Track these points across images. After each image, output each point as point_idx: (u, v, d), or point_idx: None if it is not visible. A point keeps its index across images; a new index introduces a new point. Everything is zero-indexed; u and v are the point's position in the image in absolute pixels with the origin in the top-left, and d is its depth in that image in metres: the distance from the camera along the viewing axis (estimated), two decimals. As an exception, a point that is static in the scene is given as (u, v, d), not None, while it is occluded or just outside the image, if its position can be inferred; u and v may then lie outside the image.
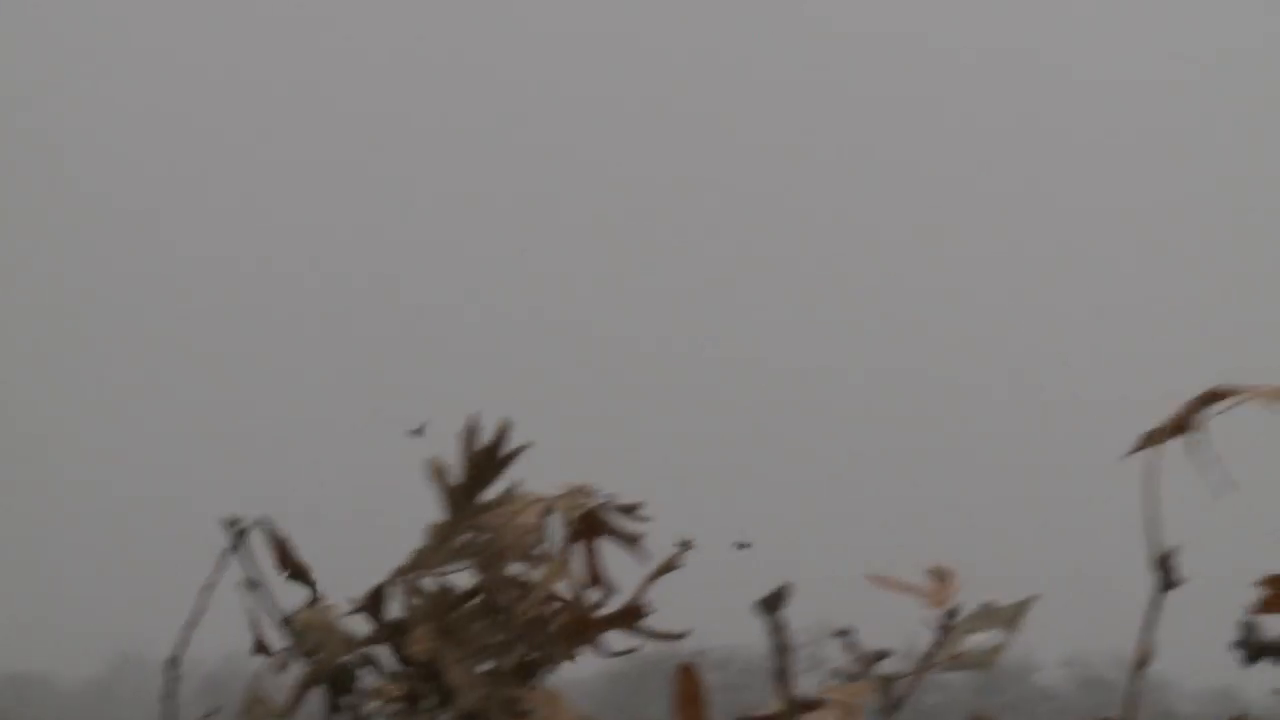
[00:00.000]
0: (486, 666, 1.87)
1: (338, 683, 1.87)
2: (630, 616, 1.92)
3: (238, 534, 1.79)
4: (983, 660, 1.81)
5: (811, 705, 1.60)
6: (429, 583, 1.88)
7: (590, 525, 1.95)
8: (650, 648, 1.98)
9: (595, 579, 1.94)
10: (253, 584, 1.80)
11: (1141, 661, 1.53)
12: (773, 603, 1.25)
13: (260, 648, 1.88)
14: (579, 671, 2.01)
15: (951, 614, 1.85)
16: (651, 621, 1.93)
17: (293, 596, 1.89)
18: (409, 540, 1.92)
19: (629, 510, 1.97)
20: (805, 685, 1.59)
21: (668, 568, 1.93)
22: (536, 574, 1.89)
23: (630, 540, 1.96)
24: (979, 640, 1.82)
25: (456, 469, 1.87)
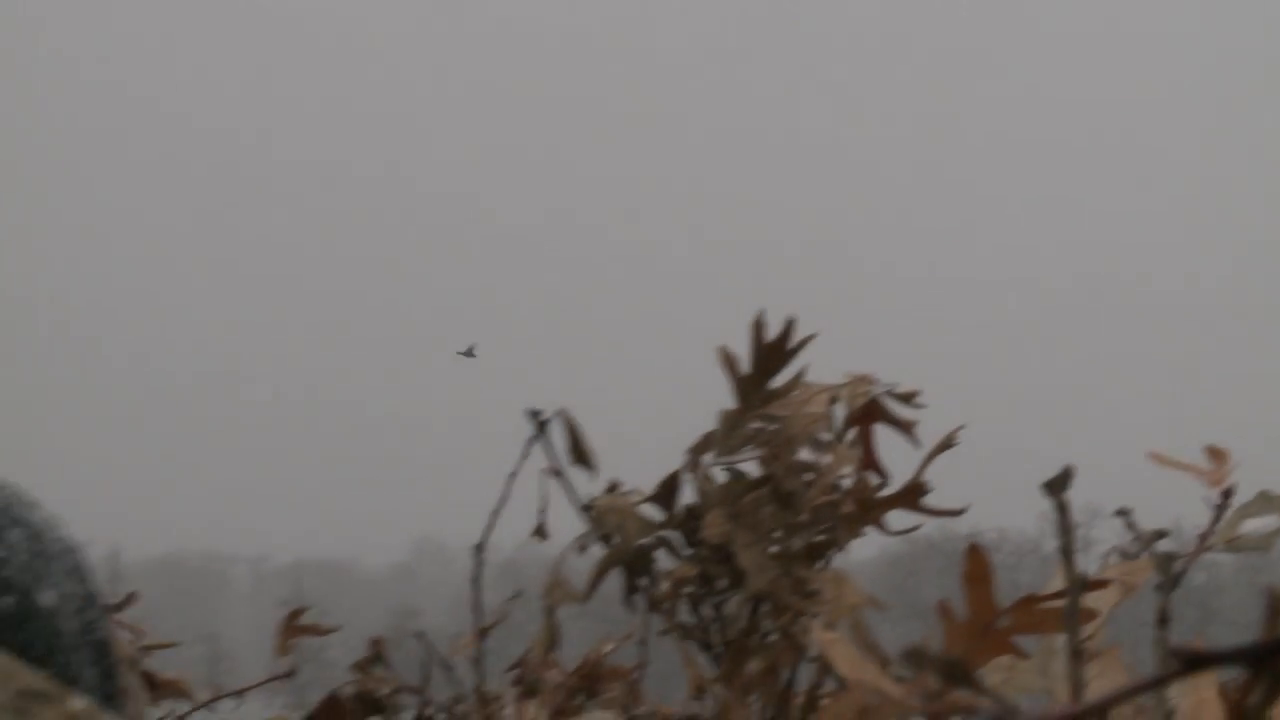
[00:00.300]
0: (776, 549, 1.90)
1: (635, 565, 1.92)
2: (912, 494, 1.94)
3: (540, 424, 1.84)
4: (1260, 543, 1.80)
5: (1094, 584, 1.60)
6: (720, 470, 1.92)
7: (870, 412, 1.96)
8: (925, 534, 2.00)
9: (873, 463, 1.97)
10: (554, 472, 1.85)
11: None
12: (1058, 484, 1.25)
13: (540, 532, 1.92)
14: (859, 554, 2.03)
15: (1227, 494, 1.84)
16: (931, 500, 1.95)
17: (589, 485, 1.93)
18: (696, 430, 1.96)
19: (907, 398, 1.98)
20: (1079, 565, 1.60)
21: (945, 446, 1.95)
22: (824, 459, 1.91)
23: (905, 427, 1.97)
24: (1256, 524, 1.81)
25: (745, 360, 1.90)
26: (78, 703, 0.58)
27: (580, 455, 1.83)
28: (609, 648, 2.37)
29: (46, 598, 0.91)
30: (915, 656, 0.67)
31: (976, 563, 1.41)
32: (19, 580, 0.90)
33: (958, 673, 0.63)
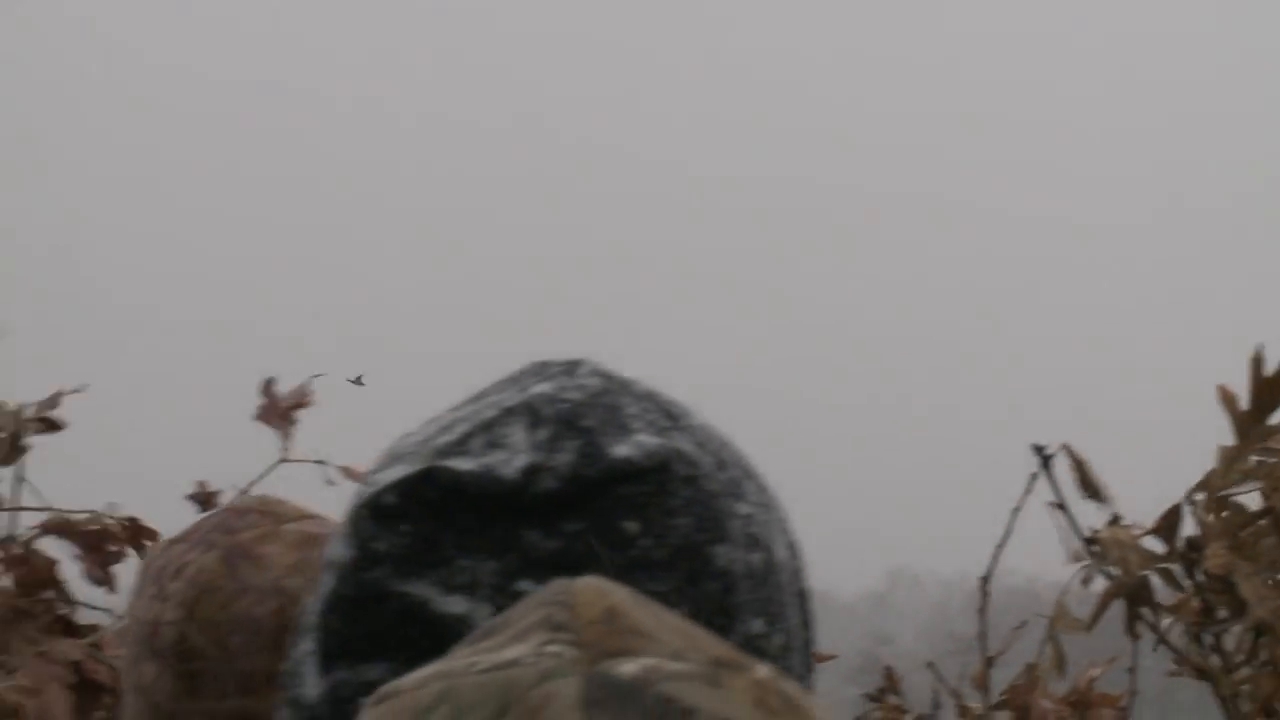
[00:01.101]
0: (1277, 579, 1.84)
1: (1137, 596, 1.87)
2: None
3: (1044, 459, 1.82)
4: None
5: None
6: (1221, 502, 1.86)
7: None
8: None
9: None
10: (1059, 505, 1.82)
11: None
12: None
13: (1076, 557, 1.89)
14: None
15: None
16: None
17: (1091, 516, 1.89)
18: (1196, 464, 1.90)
19: None
20: None
21: None
22: (1328, 494, 1.84)
23: None
24: None
25: (1244, 397, 1.84)
26: (762, 670, 0.59)
27: (1089, 489, 1.80)
28: (1096, 672, 2.31)
29: (780, 551, 0.87)
30: None
31: None
32: (764, 536, 0.86)
33: None
